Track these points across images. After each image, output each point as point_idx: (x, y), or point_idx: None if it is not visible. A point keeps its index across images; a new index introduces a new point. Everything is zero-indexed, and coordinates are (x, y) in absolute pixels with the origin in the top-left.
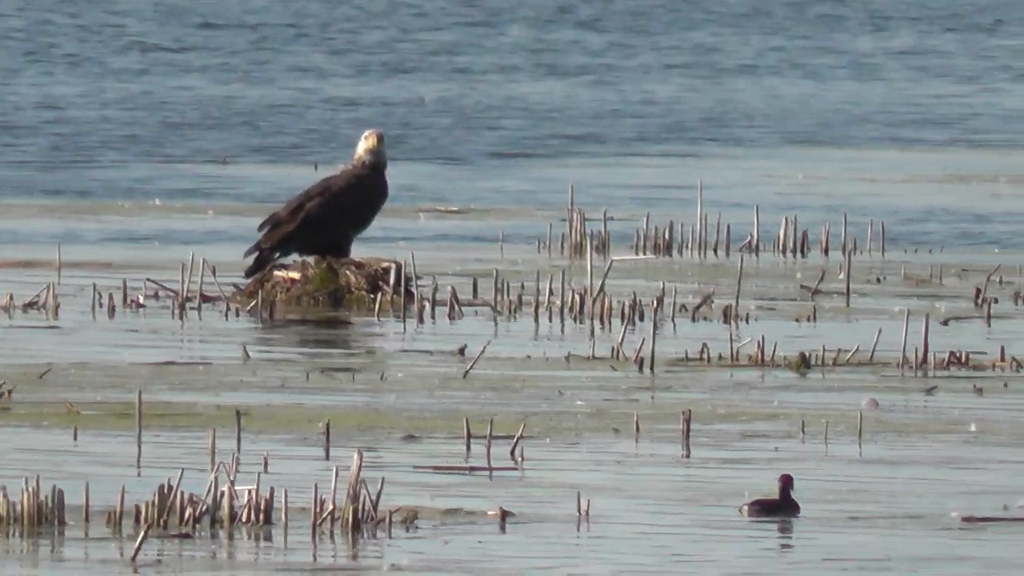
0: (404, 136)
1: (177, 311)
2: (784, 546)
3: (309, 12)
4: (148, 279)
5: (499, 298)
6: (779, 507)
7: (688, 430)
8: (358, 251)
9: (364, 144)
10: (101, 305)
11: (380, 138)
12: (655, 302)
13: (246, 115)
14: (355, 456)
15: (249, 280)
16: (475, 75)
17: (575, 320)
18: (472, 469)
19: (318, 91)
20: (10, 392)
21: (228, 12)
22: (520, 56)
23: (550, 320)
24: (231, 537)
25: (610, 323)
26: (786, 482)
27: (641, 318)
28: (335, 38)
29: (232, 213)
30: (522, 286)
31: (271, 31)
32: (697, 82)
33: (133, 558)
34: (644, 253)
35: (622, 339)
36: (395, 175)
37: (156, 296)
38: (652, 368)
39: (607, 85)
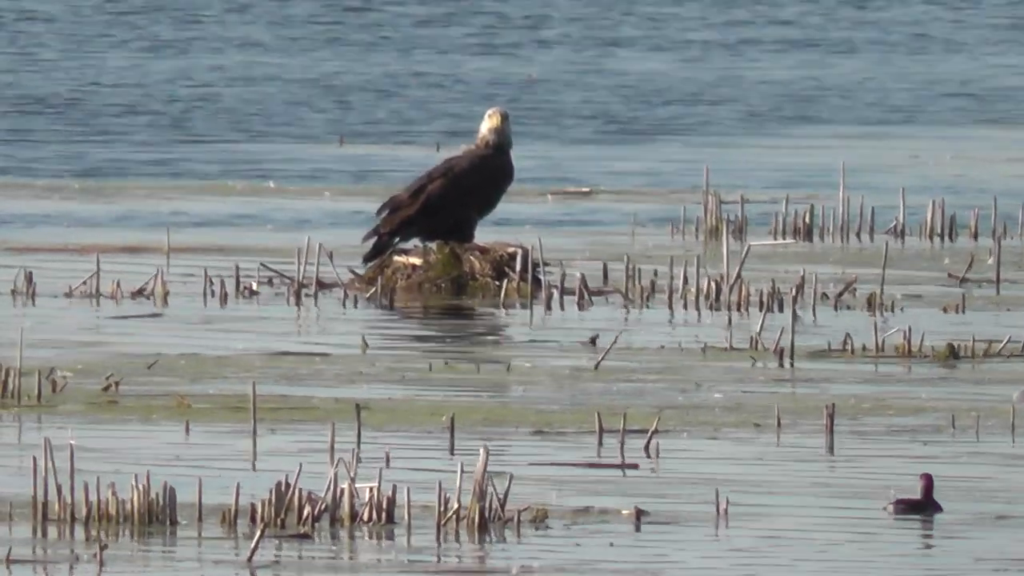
0: (524, 115)
1: (292, 298)
2: (930, 547)
3: None
4: (262, 264)
5: (631, 285)
6: (922, 506)
7: (832, 425)
8: (482, 236)
9: (488, 123)
10: (212, 292)
11: (504, 116)
12: (795, 290)
13: (358, 91)
14: (481, 452)
15: (368, 266)
16: (583, 49)
17: (711, 309)
18: (605, 465)
19: (416, 69)
20: (118, 384)
21: None
22: (633, 26)
23: (685, 308)
24: (352, 537)
25: (748, 312)
26: (928, 481)
27: (780, 307)
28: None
29: (350, 195)
30: (655, 273)
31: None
32: (814, 57)
33: (249, 559)
34: (783, 238)
35: (760, 329)
36: (520, 155)
37: (270, 283)
38: (792, 360)
39: (721, 60)
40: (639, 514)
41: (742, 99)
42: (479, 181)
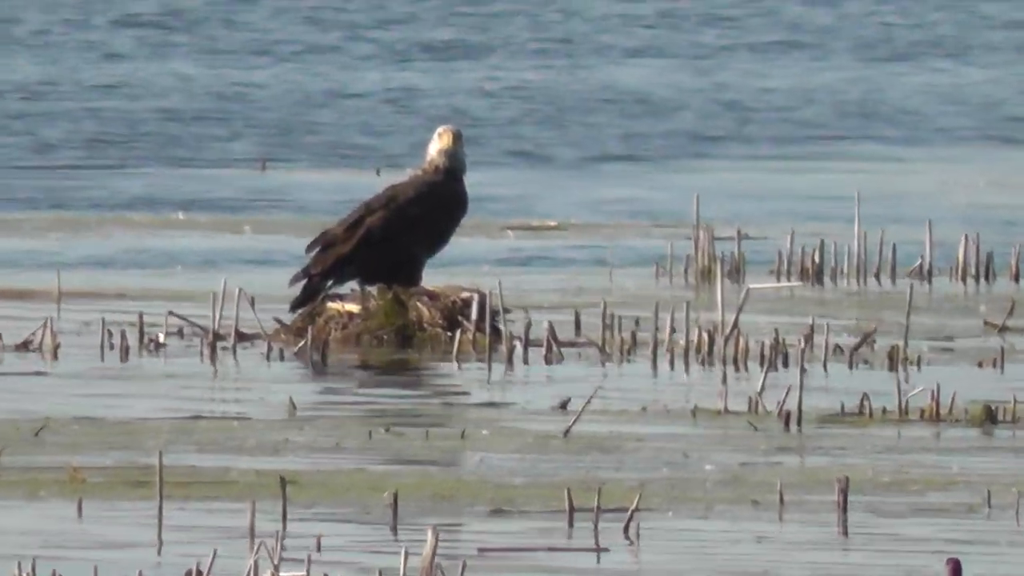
0: (481, 135)
1: (207, 352)
2: None
3: None
4: (170, 312)
5: (608, 336)
6: None
7: (845, 502)
8: (431, 278)
9: (437, 143)
10: (111, 345)
11: (457, 136)
12: (803, 341)
13: (284, 109)
14: (429, 535)
15: (296, 314)
16: (562, 57)
17: (703, 364)
18: (576, 550)
19: (363, 80)
20: None
21: None
22: (616, 33)
23: (672, 364)
24: None
25: (746, 368)
26: (955, 569)
27: (785, 362)
28: (363, 13)
29: (273, 230)
30: (636, 321)
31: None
32: (825, 66)
33: None
34: (788, 280)
35: (762, 388)
36: (476, 182)
37: (180, 333)
38: (800, 424)
39: (722, 70)
40: None
41: (735, 114)
42: (427, 212)
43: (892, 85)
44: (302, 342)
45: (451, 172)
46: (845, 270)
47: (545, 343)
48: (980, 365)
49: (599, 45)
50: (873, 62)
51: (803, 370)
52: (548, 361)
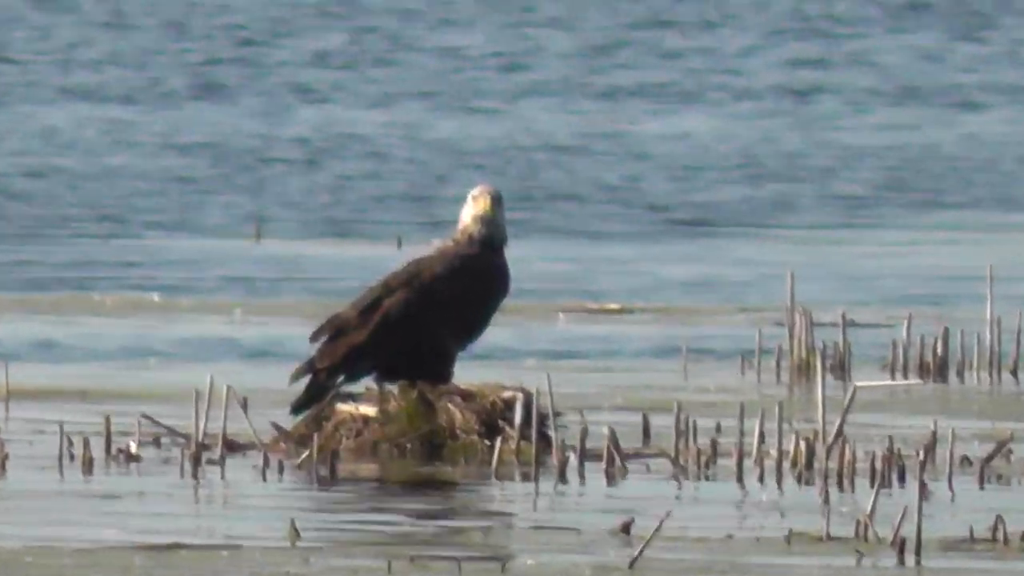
0: (525, 199)
1: (188, 466)
2: None
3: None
4: (144, 416)
5: (682, 446)
6: None
7: None
8: (465, 373)
9: (472, 208)
10: (71, 456)
11: (496, 199)
12: (922, 452)
13: (280, 161)
14: None
15: (299, 418)
16: (620, 101)
17: (799, 481)
18: None
19: (363, 129)
20: None
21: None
22: (657, 67)
23: (762, 480)
24: None
25: (853, 485)
26: None
27: (902, 478)
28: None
29: (270, 314)
30: (718, 427)
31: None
32: (921, 111)
33: None
34: (905, 377)
35: (872, 509)
36: (519, 255)
37: (156, 443)
38: (919, 554)
39: (807, 120)
40: None
41: (830, 173)
42: (459, 291)
43: (992, 137)
44: (306, 453)
45: (488, 243)
46: (974, 364)
47: (605, 454)
48: None
49: (646, 86)
50: (992, 111)
51: (923, 487)
52: (609, 476)
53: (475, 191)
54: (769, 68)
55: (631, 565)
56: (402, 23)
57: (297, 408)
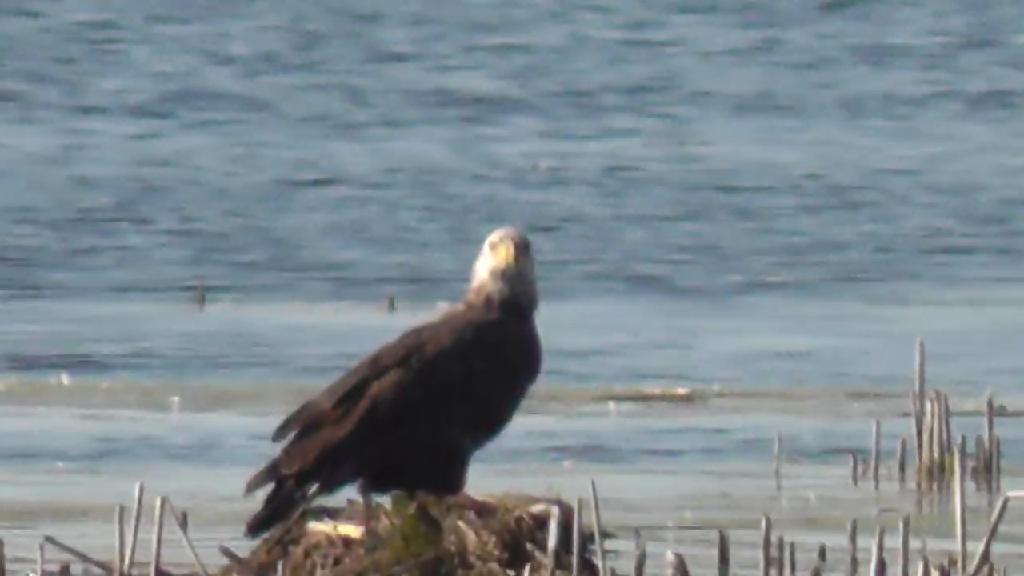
0: (559, 249)
1: None
2: None
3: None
4: (48, 539)
5: (776, 573)
6: None
7: None
8: (481, 480)
9: (490, 261)
10: None
11: (522, 247)
12: None
13: (230, 203)
14: None
15: (259, 541)
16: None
17: None
18: None
19: (343, 164)
20: None
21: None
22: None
23: None
24: None
25: None
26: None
27: None
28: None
29: (218, 404)
30: (822, 552)
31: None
32: None
33: None
34: None
35: None
36: (551, 322)
37: (66, 573)
38: None
39: (898, 131)
40: None
41: (954, 211)
42: (474, 373)
43: None
44: None
45: (512, 306)
46: None
47: None
48: None
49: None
50: None
51: None
52: None
53: (494, 236)
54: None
55: None
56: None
57: (256, 527)
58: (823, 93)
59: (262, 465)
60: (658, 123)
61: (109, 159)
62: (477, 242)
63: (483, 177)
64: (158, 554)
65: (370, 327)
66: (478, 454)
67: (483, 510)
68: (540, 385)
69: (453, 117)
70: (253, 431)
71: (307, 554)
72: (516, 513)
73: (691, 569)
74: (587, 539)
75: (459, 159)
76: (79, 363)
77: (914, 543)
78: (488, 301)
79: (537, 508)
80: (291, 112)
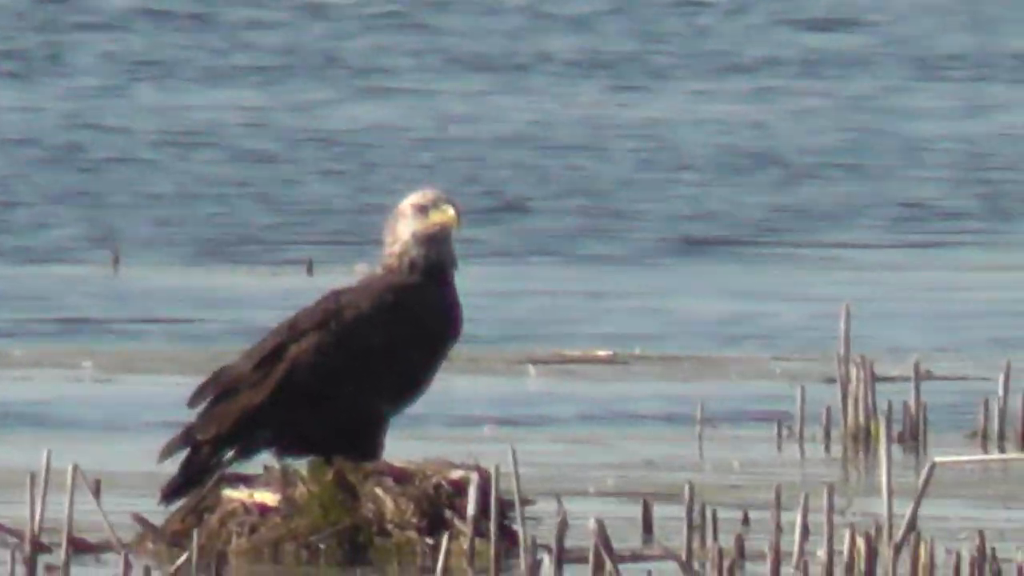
0: (477, 212)
1: (23, 571)
2: None
3: None
4: None
5: (697, 545)
6: None
7: None
8: (399, 446)
9: (408, 221)
10: None
11: (443, 205)
12: None
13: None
14: None
15: (173, 508)
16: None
17: None
18: None
19: (273, 117)
20: None
21: None
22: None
23: None
24: None
25: None
26: None
27: None
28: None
29: (132, 367)
30: (745, 518)
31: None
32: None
33: None
34: (1000, 449)
35: None
36: (471, 287)
37: None
38: None
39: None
40: None
41: (891, 175)
42: (392, 336)
43: None
44: (183, 556)
45: (431, 268)
46: None
47: (592, 557)
48: None
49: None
50: None
51: None
52: None
53: (419, 197)
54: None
55: None
56: None
57: (170, 495)
58: None
59: (176, 431)
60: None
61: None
62: (387, 205)
63: (388, 138)
64: (70, 522)
65: (288, 290)
66: (396, 420)
67: (401, 477)
68: (459, 349)
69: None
70: (167, 397)
71: (222, 522)
72: (434, 480)
73: (613, 536)
74: (507, 506)
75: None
76: (16, 326)
77: (839, 510)
78: (412, 264)
79: (456, 475)
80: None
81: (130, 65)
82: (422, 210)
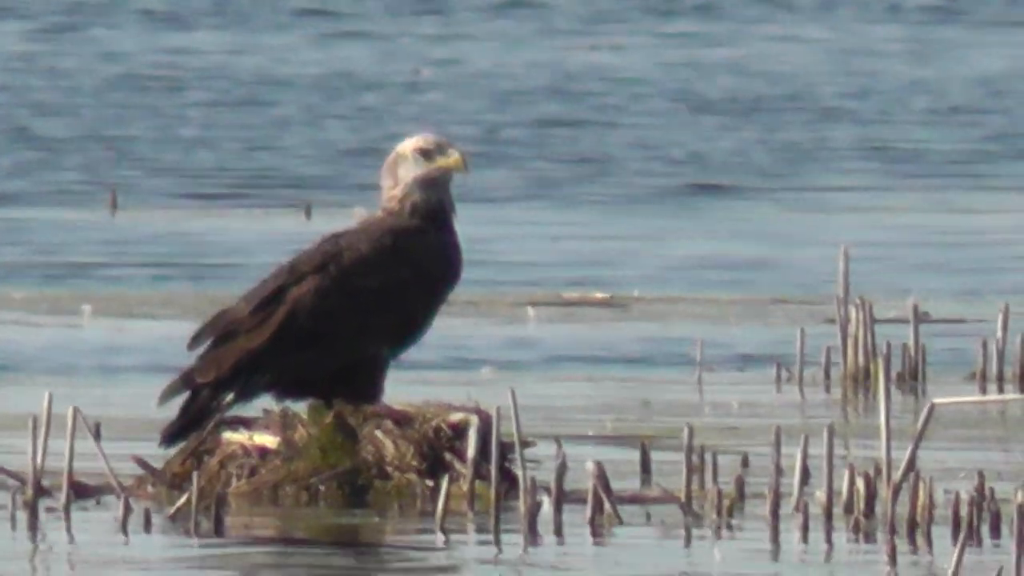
0: (481, 151)
1: (22, 517)
2: None
3: None
4: None
5: (697, 486)
6: None
7: None
8: (399, 390)
9: (410, 165)
10: None
11: (442, 150)
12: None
13: (139, 111)
14: None
15: (173, 452)
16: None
17: (856, 533)
18: None
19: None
20: None
21: None
22: None
23: (804, 534)
24: None
25: (929, 539)
26: None
27: (995, 528)
28: None
29: (131, 312)
30: (745, 460)
31: None
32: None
33: None
34: (999, 390)
35: (954, 573)
36: (470, 231)
37: None
38: None
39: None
40: None
41: (891, 118)
42: (392, 279)
43: None
44: (183, 499)
45: (431, 213)
46: None
47: (590, 498)
48: None
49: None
50: None
51: (1022, 541)
52: (596, 529)
53: (421, 141)
54: None
55: None
56: None
57: (170, 438)
58: None
59: (176, 375)
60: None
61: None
62: (383, 149)
63: (378, 84)
64: (70, 465)
65: (286, 234)
66: (396, 363)
67: (401, 420)
68: (459, 292)
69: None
70: (167, 340)
71: (222, 464)
72: (434, 423)
73: (612, 478)
74: (507, 448)
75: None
76: (9, 270)
77: (839, 451)
78: (414, 208)
79: (456, 417)
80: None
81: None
82: (425, 154)
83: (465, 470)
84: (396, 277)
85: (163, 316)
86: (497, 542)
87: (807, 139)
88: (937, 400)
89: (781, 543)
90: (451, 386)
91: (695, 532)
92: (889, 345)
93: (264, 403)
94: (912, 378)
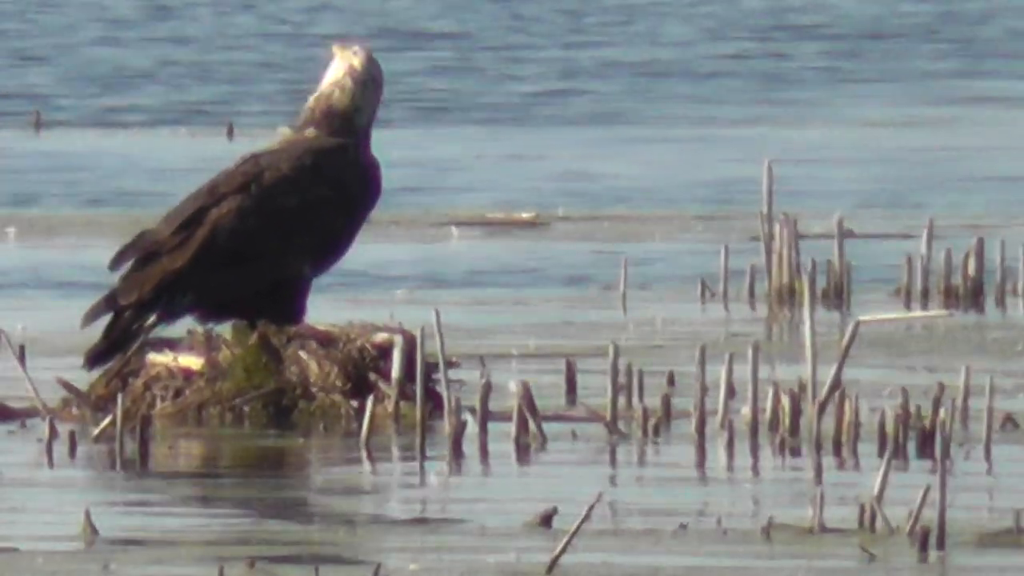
0: (400, 69)
1: None
2: None
3: None
4: None
5: (622, 404)
6: None
7: None
8: (323, 310)
9: (333, 78)
10: None
11: (365, 61)
12: (950, 410)
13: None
14: None
15: (97, 374)
16: None
17: (780, 450)
18: None
19: None
20: None
21: None
22: None
23: (730, 451)
24: None
25: (855, 456)
26: None
27: (921, 445)
28: None
29: (54, 232)
30: (670, 378)
31: None
32: None
33: None
34: (923, 307)
35: (880, 491)
36: (391, 148)
37: None
38: (943, 548)
39: None
40: None
41: (818, 30)
42: (313, 198)
43: None
44: (106, 420)
45: (352, 128)
46: (1020, 288)
47: (515, 418)
48: None
49: None
50: None
51: (945, 459)
52: (520, 448)
53: (339, 48)
54: None
55: (550, 569)
56: None
57: (94, 360)
58: None
59: (99, 296)
60: None
61: None
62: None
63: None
64: None
65: (208, 154)
66: (318, 283)
67: (325, 340)
68: (380, 211)
69: None
70: (89, 261)
71: (147, 386)
72: (359, 343)
73: (537, 398)
74: (431, 368)
75: None
76: None
77: (764, 369)
78: (330, 124)
79: (380, 338)
80: None
81: None
82: (340, 62)
83: (390, 391)
84: (316, 196)
85: (86, 236)
86: (420, 461)
87: (730, 60)
88: (862, 318)
89: (706, 461)
90: (374, 307)
91: (620, 451)
92: (814, 262)
93: (188, 324)
94: (837, 295)
